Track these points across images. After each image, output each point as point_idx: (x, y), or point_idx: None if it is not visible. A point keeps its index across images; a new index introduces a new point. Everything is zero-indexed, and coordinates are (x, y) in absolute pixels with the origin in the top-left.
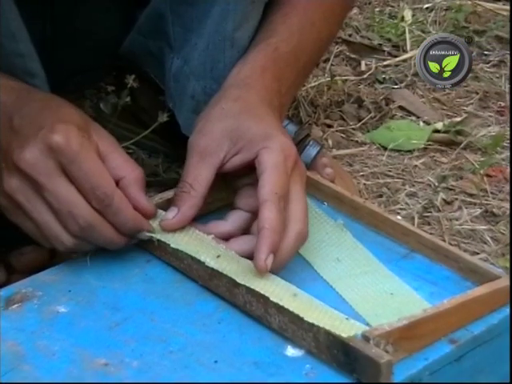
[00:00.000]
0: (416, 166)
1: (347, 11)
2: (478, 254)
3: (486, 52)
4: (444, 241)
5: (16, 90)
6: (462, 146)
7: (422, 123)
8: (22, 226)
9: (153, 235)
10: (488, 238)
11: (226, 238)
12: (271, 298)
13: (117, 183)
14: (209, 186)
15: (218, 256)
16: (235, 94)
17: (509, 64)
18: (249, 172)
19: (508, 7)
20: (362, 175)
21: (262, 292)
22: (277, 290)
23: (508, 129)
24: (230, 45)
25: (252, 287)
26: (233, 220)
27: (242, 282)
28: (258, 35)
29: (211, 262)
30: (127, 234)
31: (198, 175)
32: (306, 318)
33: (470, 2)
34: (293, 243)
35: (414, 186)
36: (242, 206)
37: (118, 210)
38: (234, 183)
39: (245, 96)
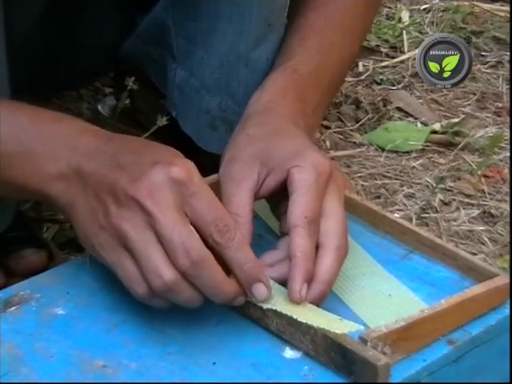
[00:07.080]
0: (414, 167)
1: (367, 31)
2: (475, 254)
3: (483, 53)
4: None
5: (105, 134)
6: (459, 146)
7: (419, 124)
8: (116, 265)
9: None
10: (486, 239)
11: None
12: (264, 307)
13: None
14: (252, 210)
15: None
16: (258, 119)
17: (507, 65)
18: (288, 195)
19: (505, 8)
20: (360, 176)
21: None
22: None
23: (506, 129)
24: (245, 64)
25: None
26: (284, 247)
27: None
28: (277, 60)
29: None
30: (241, 278)
31: (240, 201)
32: (299, 319)
33: (467, 3)
34: (332, 259)
35: (411, 187)
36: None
37: (240, 245)
38: (276, 211)
39: (269, 120)
